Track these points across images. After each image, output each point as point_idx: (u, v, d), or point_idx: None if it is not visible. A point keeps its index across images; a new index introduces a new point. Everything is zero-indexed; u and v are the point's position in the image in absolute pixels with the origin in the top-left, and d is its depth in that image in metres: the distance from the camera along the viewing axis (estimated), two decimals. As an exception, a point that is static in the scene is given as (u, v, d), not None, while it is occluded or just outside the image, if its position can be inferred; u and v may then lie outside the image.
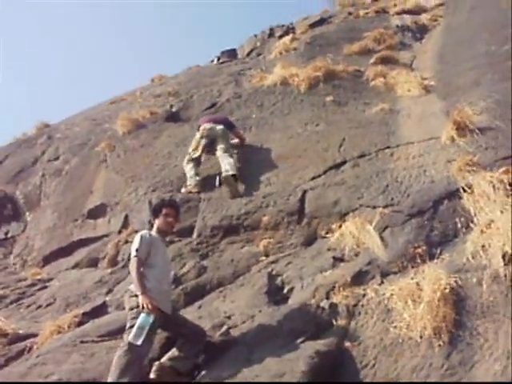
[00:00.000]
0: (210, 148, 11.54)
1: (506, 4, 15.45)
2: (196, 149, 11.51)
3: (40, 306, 9.85)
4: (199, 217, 10.11)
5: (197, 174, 11.10)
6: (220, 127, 11.69)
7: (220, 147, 11.32)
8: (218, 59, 21.82)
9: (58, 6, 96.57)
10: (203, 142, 11.54)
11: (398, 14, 19.36)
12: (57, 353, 7.37)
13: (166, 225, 7.49)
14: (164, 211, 7.47)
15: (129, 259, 7.72)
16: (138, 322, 6.41)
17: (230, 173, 10.67)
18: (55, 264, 11.42)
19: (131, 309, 6.71)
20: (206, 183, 11.05)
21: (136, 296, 6.69)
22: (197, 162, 11.38)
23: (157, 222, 7.43)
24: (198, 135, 11.75)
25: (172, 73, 20.82)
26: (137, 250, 6.88)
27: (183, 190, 10.99)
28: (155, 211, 7.59)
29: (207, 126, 11.77)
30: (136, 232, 10.16)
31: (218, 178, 10.94)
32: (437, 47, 15.56)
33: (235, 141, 12.17)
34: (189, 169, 11.22)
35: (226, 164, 10.86)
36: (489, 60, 12.56)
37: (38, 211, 13.57)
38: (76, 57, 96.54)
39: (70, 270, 10.88)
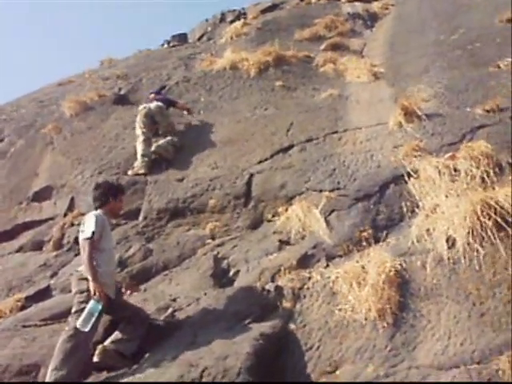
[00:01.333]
0: (153, 126, 11.70)
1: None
2: (142, 128, 11.51)
3: (-19, 291, 9.64)
4: (145, 199, 10.01)
5: (144, 156, 11.04)
6: (153, 104, 11.93)
7: (159, 123, 11.73)
8: (168, 43, 21.63)
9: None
10: (144, 121, 11.58)
11: (350, 1, 19.48)
12: (-3, 337, 7.24)
13: (119, 209, 7.57)
14: (120, 196, 7.51)
15: (76, 241, 7.60)
16: (88, 308, 6.34)
17: (157, 146, 11.25)
18: (-2, 248, 11.19)
19: (81, 292, 6.62)
20: (154, 165, 11.01)
21: (86, 279, 6.60)
22: (146, 141, 11.34)
23: (111, 205, 7.34)
24: (137, 118, 11.76)
25: (123, 56, 20.60)
26: (93, 233, 6.73)
27: (130, 172, 10.91)
28: (113, 194, 7.44)
29: (140, 107, 12.01)
30: (82, 215, 10.08)
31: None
32: (387, 35, 15.70)
33: (185, 113, 12.57)
34: (139, 149, 11.20)
35: (161, 141, 11.39)
36: (438, 49, 12.75)
37: (-18, 194, 13.28)
38: (24, 38, 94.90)
39: (13, 254, 10.64)
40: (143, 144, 11.22)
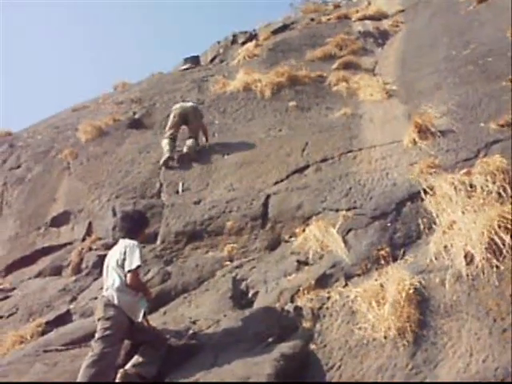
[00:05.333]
0: (183, 125, 12.38)
1: (464, 10, 15.71)
2: (171, 127, 12.22)
3: (1, 317, 9.66)
4: (163, 223, 10.06)
5: (171, 148, 11.82)
6: (190, 104, 12.59)
7: (190, 123, 12.33)
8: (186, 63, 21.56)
9: (17, 9, 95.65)
10: (176, 120, 12.27)
11: (360, 19, 19.53)
12: (19, 363, 7.22)
13: (144, 239, 7.83)
14: (146, 227, 7.81)
15: (94, 266, 7.63)
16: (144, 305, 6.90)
17: (184, 151, 11.83)
18: (18, 273, 11.22)
19: (106, 319, 6.63)
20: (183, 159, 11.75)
21: (112, 306, 6.65)
22: (172, 139, 12.04)
23: (144, 235, 7.64)
24: (171, 115, 12.49)
25: (135, 80, 20.72)
26: (139, 266, 6.88)
27: (161, 162, 11.66)
28: (145, 224, 7.78)
29: (177, 105, 12.66)
30: (100, 239, 10.18)
31: (180, 184, 10.97)
32: (398, 52, 15.72)
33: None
34: (164, 144, 11.92)
35: (185, 146, 11.95)
36: (449, 65, 12.74)
37: (0, 220, 13.37)
38: (38, 64, 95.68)
39: (33, 279, 10.71)
40: (168, 140, 11.94)
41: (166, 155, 11.70)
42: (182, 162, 11.73)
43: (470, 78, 11.58)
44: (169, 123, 12.44)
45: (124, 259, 6.86)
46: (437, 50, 14.08)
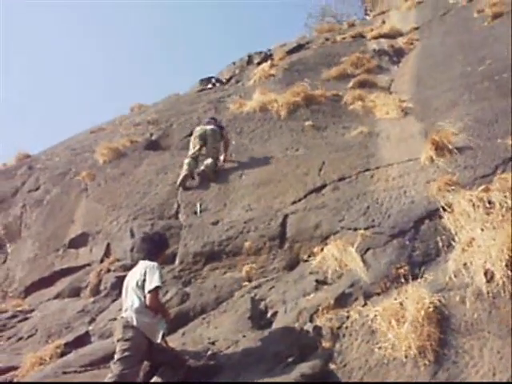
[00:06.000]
0: (203, 146, 12.49)
1: (479, 27, 15.71)
2: (192, 148, 12.46)
3: (21, 338, 9.70)
4: (181, 244, 10.08)
5: (191, 168, 12.03)
6: (210, 127, 12.62)
7: (208, 144, 12.42)
8: (214, 84, 21.61)
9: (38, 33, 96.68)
10: (196, 142, 12.47)
11: (375, 38, 19.53)
12: (38, 385, 7.28)
13: (163, 261, 7.90)
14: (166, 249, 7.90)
15: (113, 287, 7.60)
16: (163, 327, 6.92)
17: (202, 168, 11.96)
18: (37, 295, 11.28)
19: (125, 340, 6.65)
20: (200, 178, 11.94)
21: (132, 327, 6.67)
22: (194, 158, 12.20)
23: (164, 257, 7.74)
24: (192, 137, 12.74)
25: (151, 101, 20.83)
26: (159, 287, 6.93)
27: (178, 181, 11.91)
28: (165, 247, 7.85)
29: (198, 128, 12.84)
30: (118, 261, 10.21)
31: (198, 205, 10.99)
32: (414, 70, 15.72)
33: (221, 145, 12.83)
34: (185, 163, 12.10)
35: (207, 161, 12.09)
36: (465, 81, 12.72)
37: (19, 242, 13.43)
38: (54, 86, 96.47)
39: (51, 301, 10.75)
40: (190, 159, 12.11)
41: (184, 173, 11.86)
42: (200, 181, 11.83)
43: (486, 94, 11.55)
44: (190, 144, 12.69)
45: (144, 280, 6.88)
46: (452, 67, 14.07)
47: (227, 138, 12.90)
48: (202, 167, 11.95)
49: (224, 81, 21.29)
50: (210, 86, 20.60)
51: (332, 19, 34.07)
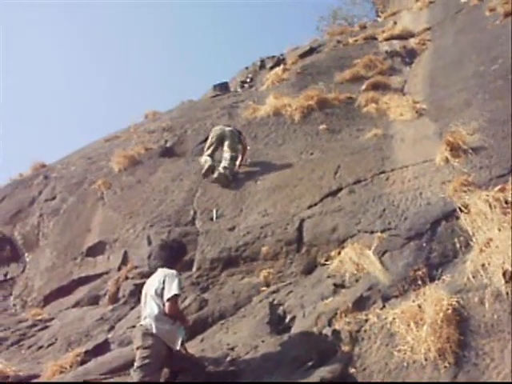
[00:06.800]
0: (221, 146, 12.64)
1: (491, 25, 15.64)
2: (208, 148, 12.63)
3: (41, 347, 9.76)
4: (198, 250, 10.10)
5: (211, 162, 12.33)
6: (229, 128, 12.83)
7: (226, 144, 12.53)
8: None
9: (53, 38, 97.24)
10: (214, 141, 12.66)
11: (387, 39, 19.45)
12: (59, 393, 7.33)
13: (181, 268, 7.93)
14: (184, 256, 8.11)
15: (131, 295, 7.61)
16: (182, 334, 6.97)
17: (220, 171, 12.02)
18: (56, 303, 11.35)
19: (144, 348, 6.70)
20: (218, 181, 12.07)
21: (151, 335, 6.72)
22: (210, 156, 12.49)
23: (179, 265, 7.69)
24: (209, 136, 12.97)
25: (165, 108, 20.86)
26: (177, 295, 6.98)
27: (203, 171, 12.32)
28: (182, 253, 7.99)
29: (217, 127, 13.08)
30: (136, 268, 10.24)
31: (214, 211, 11.02)
32: (426, 70, 15.67)
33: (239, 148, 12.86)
34: (203, 160, 12.45)
35: (223, 161, 12.22)
36: (478, 80, 12.67)
37: (37, 251, 13.51)
38: (68, 95, 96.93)
39: (70, 309, 10.82)
40: (207, 157, 12.44)
41: (208, 164, 12.19)
42: (218, 184, 11.97)
43: (499, 93, 11.49)
44: (207, 143, 12.85)
45: (163, 288, 6.92)
46: (465, 67, 14.02)
47: (245, 143, 12.88)
48: (216, 174, 11.99)
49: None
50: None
51: (343, 22, 34.08)
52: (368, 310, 7.20)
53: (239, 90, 20.96)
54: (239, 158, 12.52)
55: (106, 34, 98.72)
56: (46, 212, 14.43)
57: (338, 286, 7.99)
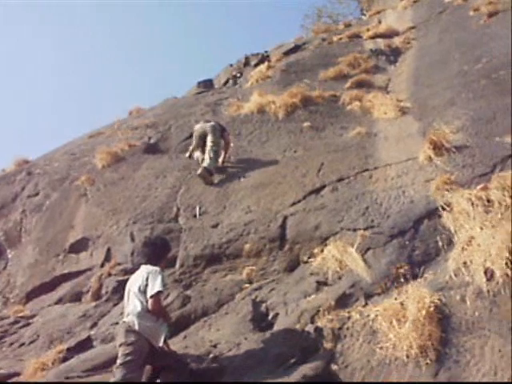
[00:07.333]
0: (204, 143, 12.67)
1: (475, 25, 15.72)
2: (194, 148, 12.98)
3: (23, 344, 9.69)
4: (181, 247, 10.08)
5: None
6: (210, 124, 12.79)
7: (208, 139, 12.46)
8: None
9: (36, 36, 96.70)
10: (197, 141, 12.81)
11: (371, 38, 19.50)
12: (41, 391, 7.29)
13: (165, 265, 7.82)
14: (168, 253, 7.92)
15: (114, 291, 7.59)
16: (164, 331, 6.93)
17: (203, 165, 11.97)
18: (38, 300, 11.29)
19: (127, 344, 6.67)
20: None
21: (133, 331, 6.69)
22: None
23: (166, 261, 7.72)
24: (193, 136, 13.06)
25: (149, 105, 20.79)
26: (161, 292, 6.96)
27: (198, 172, 12.04)
28: (167, 251, 7.87)
29: (197, 126, 13.17)
30: (119, 265, 10.21)
31: (197, 208, 11.00)
32: (411, 69, 15.72)
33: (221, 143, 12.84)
34: (194, 158, 12.76)
35: (206, 156, 12.23)
36: (462, 79, 12.74)
37: (19, 248, 13.43)
38: (51, 91, 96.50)
39: (53, 306, 10.76)
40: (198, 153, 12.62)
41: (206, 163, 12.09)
42: (201, 180, 11.95)
43: (483, 92, 11.57)
44: (193, 143, 13.02)
45: (146, 285, 6.90)
46: (449, 66, 14.08)
47: (228, 139, 12.85)
48: (199, 170, 11.93)
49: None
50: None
51: (328, 20, 34.15)
52: (350, 307, 7.23)
53: (231, 82, 20.97)
54: (222, 153, 12.53)
55: (92, 30, 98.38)
56: (29, 208, 14.33)
57: (321, 284, 8.01)
